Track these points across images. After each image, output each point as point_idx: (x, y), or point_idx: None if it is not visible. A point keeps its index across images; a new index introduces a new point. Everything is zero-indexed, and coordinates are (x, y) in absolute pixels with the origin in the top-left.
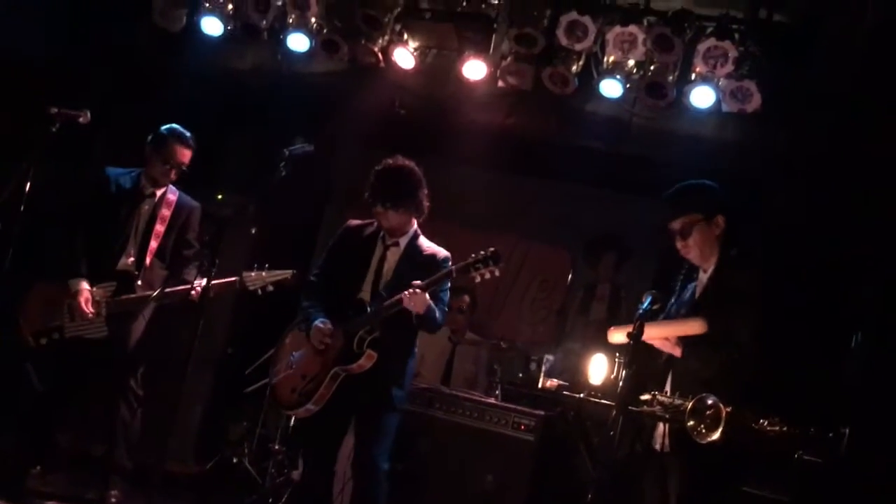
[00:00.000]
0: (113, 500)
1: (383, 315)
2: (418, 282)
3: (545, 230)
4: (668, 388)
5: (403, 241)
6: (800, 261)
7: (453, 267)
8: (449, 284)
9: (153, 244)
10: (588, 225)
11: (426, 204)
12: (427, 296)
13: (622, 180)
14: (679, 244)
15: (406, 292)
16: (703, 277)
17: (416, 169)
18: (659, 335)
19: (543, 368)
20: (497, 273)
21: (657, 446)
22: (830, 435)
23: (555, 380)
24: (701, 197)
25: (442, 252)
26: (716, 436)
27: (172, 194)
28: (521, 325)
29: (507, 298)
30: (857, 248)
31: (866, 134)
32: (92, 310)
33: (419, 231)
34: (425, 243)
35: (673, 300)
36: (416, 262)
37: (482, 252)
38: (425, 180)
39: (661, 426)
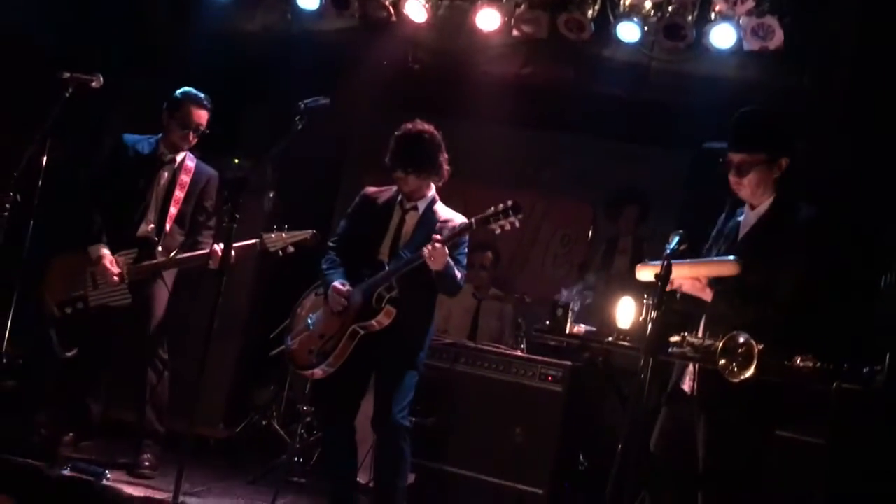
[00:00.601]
0: (146, 464)
1: (403, 270)
2: (438, 235)
3: (565, 185)
4: (699, 333)
5: (422, 206)
6: (827, 204)
7: (473, 219)
8: (466, 247)
9: (172, 210)
10: (609, 178)
11: (446, 168)
12: (447, 251)
13: (642, 131)
14: (732, 178)
15: (426, 247)
16: (751, 217)
17: (436, 133)
18: (689, 275)
19: (571, 312)
20: (517, 224)
21: (685, 387)
22: (865, 370)
23: (582, 325)
24: (770, 134)
25: (459, 217)
26: (748, 373)
27: (191, 161)
28: (544, 281)
29: (530, 254)
30: (884, 190)
31: (891, 67)
32: (116, 272)
33: (437, 196)
34: (443, 208)
35: (711, 240)
36: (434, 226)
37: (501, 204)
38: (444, 142)
39: (691, 367)
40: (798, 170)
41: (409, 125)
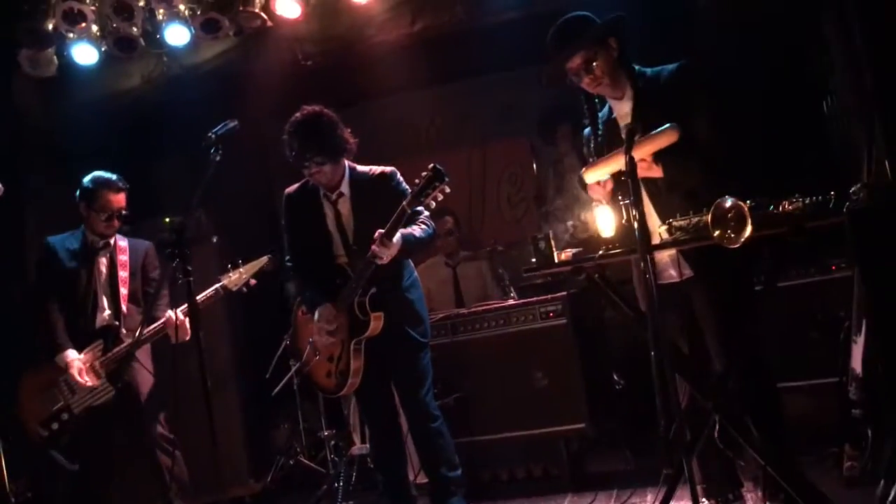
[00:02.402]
0: None
1: (365, 276)
2: (380, 230)
3: (493, 127)
4: (653, 213)
5: (346, 188)
6: (750, 52)
7: (404, 203)
8: (408, 188)
9: (123, 291)
10: (533, 105)
11: (352, 142)
12: (396, 238)
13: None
14: (587, 81)
15: (373, 247)
16: (623, 105)
17: (327, 111)
18: (637, 157)
19: (553, 241)
20: (447, 189)
21: (671, 278)
22: (852, 190)
23: (568, 250)
24: (586, 27)
25: (386, 168)
26: (746, 234)
27: (122, 241)
28: (509, 225)
29: (485, 205)
30: (802, 20)
31: None
32: (88, 378)
33: (352, 166)
34: (363, 170)
35: (591, 145)
36: (368, 196)
37: (423, 174)
38: (341, 121)
39: (665, 257)
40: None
41: (297, 115)
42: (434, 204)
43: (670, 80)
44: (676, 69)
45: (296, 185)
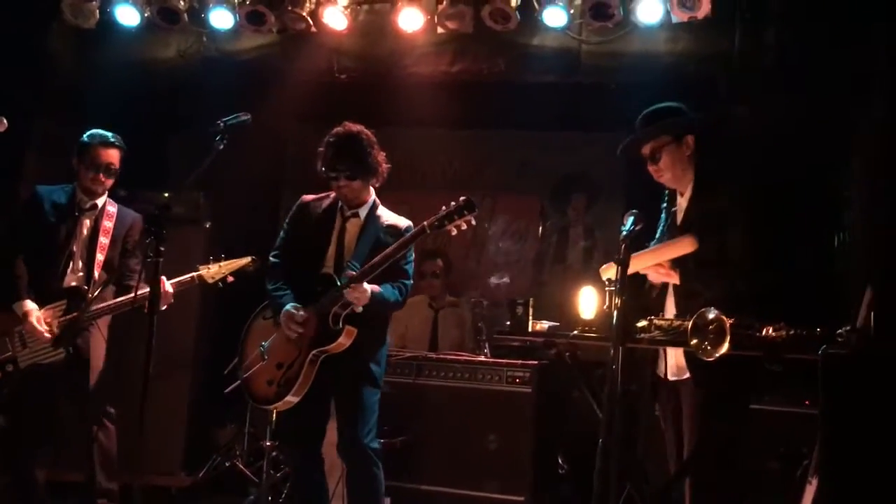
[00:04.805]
0: None
1: (341, 299)
2: (351, 273)
3: (510, 180)
4: (669, 315)
5: (363, 212)
6: (770, 167)
7: (426, 223)
8: (413, 256)
9: (100, 257)
10: (553, 169)
11: (384, 167)
12: (366, 286)
13: (581, 116)
14: (651, 169)
15: (347, 291)
16: (682, 202)
17: (367, 132)
18: (651, 262)
19: (531, 309)
20: (473, 222)
21: (666, 375)
22: (839, 331)
23: (545, 322)
24: (667, 119)
25: (403, 221)
26: (722, 350)
27: (112, 206)
28: (499, 280)
29: (482, 255)
30: (830, 149)
31: (822, 29)
32: (45, 329)
33: (378, 201)
34: (386, 213)
35: (658, 230)
36: (378, 233)
37: (453, 203)
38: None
39: (665, 353)
40: (741, 134)
41: (339, 128)
42: (455, 232)
43: (723, 193)
44: (730, 187)
45: (314, 196)
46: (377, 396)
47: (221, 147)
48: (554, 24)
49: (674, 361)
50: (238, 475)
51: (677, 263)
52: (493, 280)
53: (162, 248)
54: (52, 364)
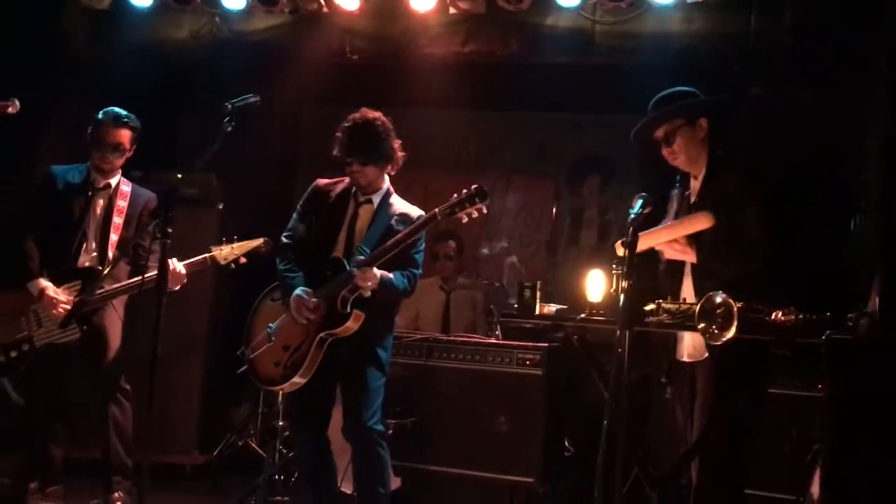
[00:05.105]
0: (118, 502)
1: (350, 283)
2: (361, 258)
3: (523, 162)
4: (686, 296)
5: (377, 199)
6: (786, 149)
7: (437, 210)
8: (423, 245)
9: (114, 237)
10: (567, 150)
11: (399, 154)
12: (376, 271)
13: (594, 98)
14: (665, 152)
15: (354, 271)
16: (696, 184)
17: (385, 119)
18: (666, 238)
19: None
20: (484, 210)
21: (684, 357)
22: (850, 316)
23: (552, 305)
24: (680, 102)
25: (416, 210)
26: (730, 334)
27: (126, 185)
28: (512, 262)
29: (494, 238)
30: (846, 131)
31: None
32: (60, 309)
33: (392, 189)
34: (399, 201)
35: (669, 210)
36: (390, 220)
37: (465, 190)
38: (393, 129)
39: (684, 336)
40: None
41: (356, 114)
42: (466, 220)
43: (736, 174)
44: (744, 169)
45: (328, 180)
46: (382, 381)
47: (229, 129)
48: (567, 4)
49: (690, 342)
50: (252, 454)
51: (694, 240)
52: (507, 262)
53: (170, 230)
54: (67, 344)
